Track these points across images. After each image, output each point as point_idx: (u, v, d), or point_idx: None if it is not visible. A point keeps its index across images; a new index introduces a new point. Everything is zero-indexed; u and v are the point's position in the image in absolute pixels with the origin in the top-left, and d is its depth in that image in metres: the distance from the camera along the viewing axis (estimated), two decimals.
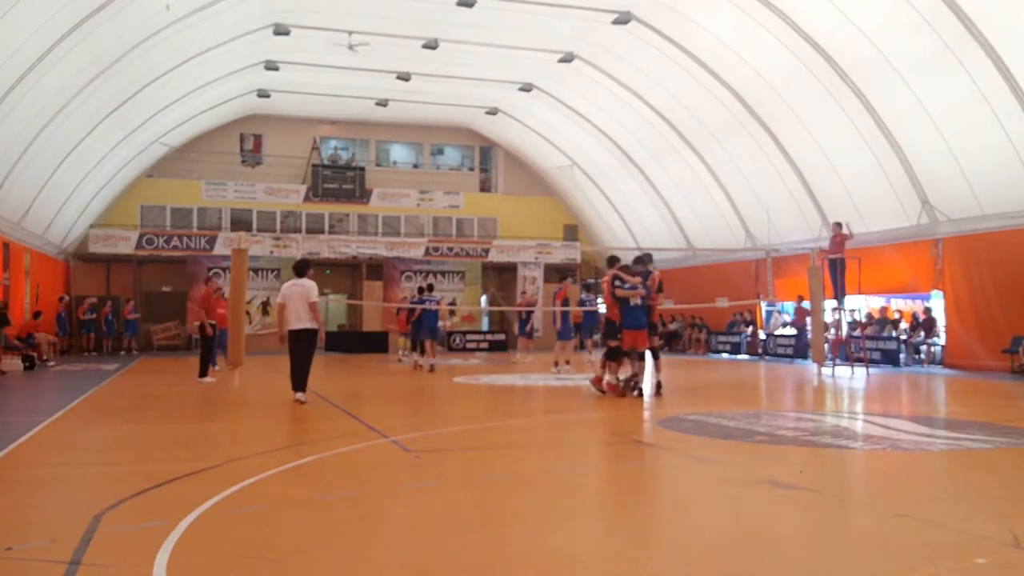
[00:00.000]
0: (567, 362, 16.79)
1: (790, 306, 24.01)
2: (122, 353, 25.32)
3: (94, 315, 25.45)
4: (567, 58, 23.68)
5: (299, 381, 10.87)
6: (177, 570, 3.76)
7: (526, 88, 26.85)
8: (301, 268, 11.13)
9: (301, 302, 10.71)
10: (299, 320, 10.71)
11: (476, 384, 14.63)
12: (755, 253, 23.07)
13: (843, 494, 5.69)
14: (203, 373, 14.59)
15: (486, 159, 34.41)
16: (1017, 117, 15.18)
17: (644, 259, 12.08)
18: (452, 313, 27.01)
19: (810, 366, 18.50)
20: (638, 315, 11.24)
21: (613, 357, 11.58)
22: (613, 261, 12.22)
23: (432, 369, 17.28)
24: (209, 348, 14.95)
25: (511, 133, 31.77)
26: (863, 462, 6.88)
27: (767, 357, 22.99)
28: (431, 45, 22.75)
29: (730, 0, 18.14)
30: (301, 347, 10.82)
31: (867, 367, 17.11)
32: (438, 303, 18.62)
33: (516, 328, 22.29)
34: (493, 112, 30.03)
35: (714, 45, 20.14)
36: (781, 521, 4.84)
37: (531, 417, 9.77)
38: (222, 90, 25.70)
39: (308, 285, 10.83)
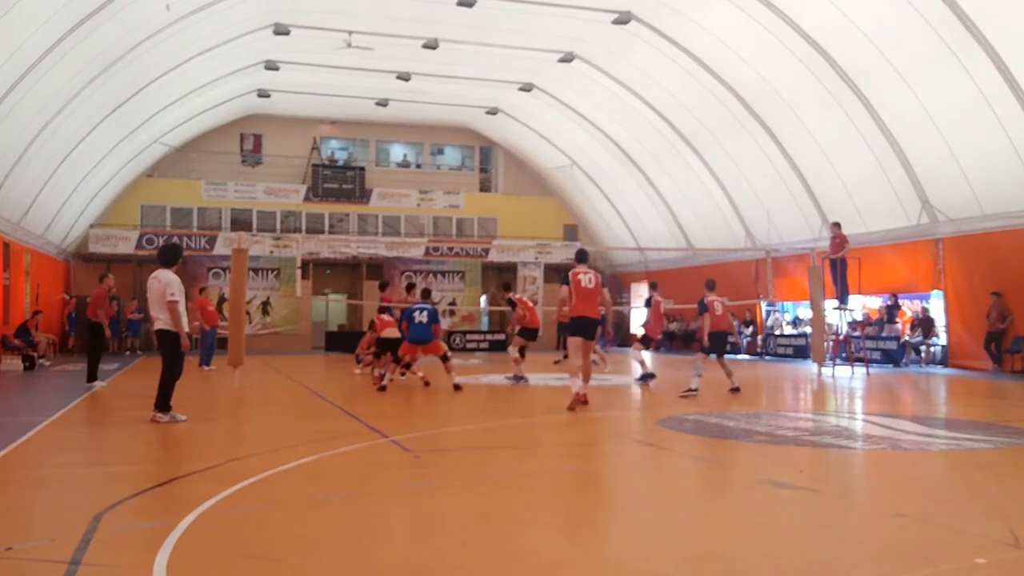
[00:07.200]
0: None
1: (791, 306, 24.02)
2: (127, 353, 25.39)
3: None
4: (567, 58, 23.67)
5: (158, 396, 9.04)
6: (177, 570, 3.76)
7: (526, 88, 26.84)
8: (165, 256, 9.24)
9: (158, 299, 8.94)
10: (159, 319, 9.00)
11: (476, 384, 14.61)
12: (755, 253, 23.06)
13: (843, 494, 5.68)
14: (92, 378, 13.34)
15: (486, 159, 34.40)
16: (1017, 117, 15.17)
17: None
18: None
19: (810, 366, 18.49)
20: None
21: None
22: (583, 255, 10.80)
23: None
24: (97, 351, 13.58)
25: (511, 133, 31.77)
26: (863, 462, 6.88)
27: (767, 357, 22.98)
28: (431, 45, 22.74)
29: (730, 0, 18.15)
30: (161, 352, 9.11)
31: (867, 367, 17.11)
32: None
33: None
34: (493, 112, 30.02)
35: (714, 45, 20.14)
36: (781, 521, 4.84)
37: (531, 417, 9.76)
38: (222, 90, 25.71)
39: (166, 278, 8.97)
